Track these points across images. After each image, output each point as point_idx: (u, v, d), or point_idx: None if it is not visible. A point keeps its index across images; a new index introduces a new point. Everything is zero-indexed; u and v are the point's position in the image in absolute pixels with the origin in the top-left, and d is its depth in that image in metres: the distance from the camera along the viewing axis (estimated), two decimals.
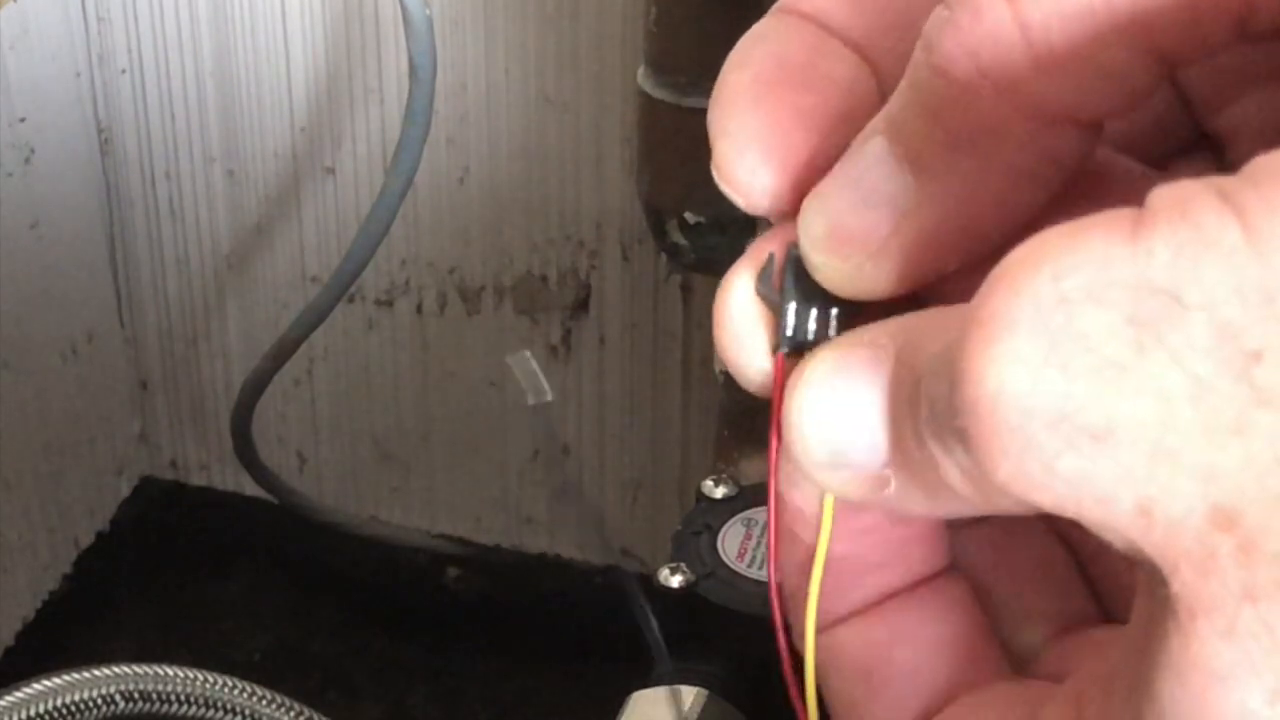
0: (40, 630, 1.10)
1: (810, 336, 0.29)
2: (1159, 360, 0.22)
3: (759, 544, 0.70)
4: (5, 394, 1.05)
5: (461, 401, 1.12)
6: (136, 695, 0.78)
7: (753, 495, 0.73)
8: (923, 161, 0.27)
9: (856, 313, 0.29)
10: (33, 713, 0.76)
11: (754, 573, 0.69)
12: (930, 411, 0.25)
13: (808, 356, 0.27)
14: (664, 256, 1.00)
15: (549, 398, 0.30)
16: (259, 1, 1.03)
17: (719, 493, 0.73)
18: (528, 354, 0.30)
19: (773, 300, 0.29)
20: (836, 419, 0.27)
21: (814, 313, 0.29)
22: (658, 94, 0.85)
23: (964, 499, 0.25)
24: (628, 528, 1.12)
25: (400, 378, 1.12)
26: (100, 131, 1.10)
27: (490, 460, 1.13)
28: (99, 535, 1.16)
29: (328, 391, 1.14)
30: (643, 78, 0.86)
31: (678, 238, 0.89)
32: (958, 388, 0.23)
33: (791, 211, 0.29)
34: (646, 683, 0.66)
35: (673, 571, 0.68)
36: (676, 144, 0.84)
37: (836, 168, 0.28)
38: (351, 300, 1.08)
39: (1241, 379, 0.22)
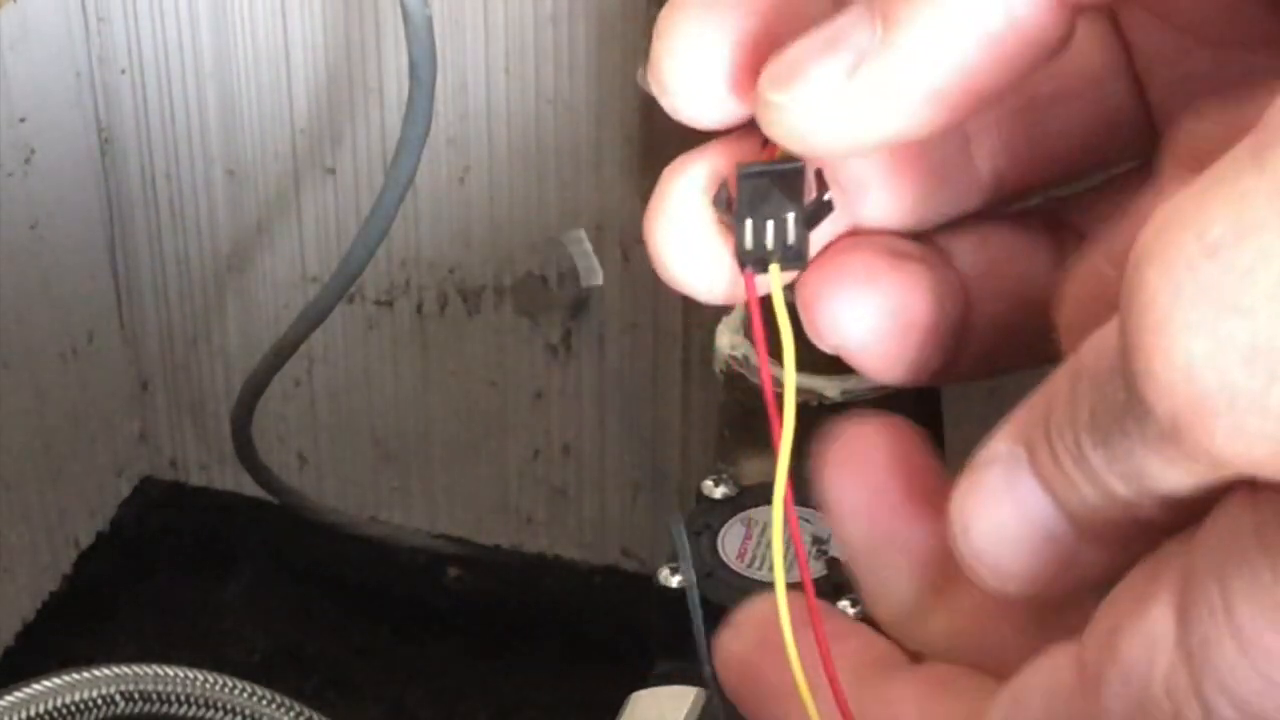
0: (40, 630, 1.10)
1: (770, 246, 0.29)
2: None
3: (759, 544, 0.70)
4: (5, 394, 1.04)
5: (461, 401, 1.12)
6: (136, 695, 0.78)
7: (752, 495, 0.73)
8: (892, 12, 0.27)
9: (815, 218, 0.29)
10: (33, 713, 0.76)
11: (754, 573, 0.69)
12: (1091, 443, 0.25)
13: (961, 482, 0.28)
14: None
15: (599, 280, 0.31)
16: (259, 2, 1.03)
17: (719, 493, 0.73)
18: (581, 233, 0.31)
19: (729, 220, 0.29)
20: (1012, 544, 0.27)
21: (770, 225, 0.29)
22: None
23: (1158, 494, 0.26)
24: (628, 528, 1.12)
25: (400, 378, 1.12)
26: (100, 132, 1.10)
27: (490, 460, 1.13)
28: (99, 535, 1.16)
29: (328, 391, 1.14)
30: (642, 78, 0.86)
31: None
32: (1140, 387, 0.23)
33: (726, 121, 0.30)
34: (646, 683, 0.67)
35: (673, 571, 0.68)
36: (676, 144, 0.84)
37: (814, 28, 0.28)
38: (351, 300, 1.08)
39: None
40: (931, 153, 0.31)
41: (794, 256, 0.30)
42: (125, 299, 1.15)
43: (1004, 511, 0.27)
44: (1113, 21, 0.32)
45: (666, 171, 0.30)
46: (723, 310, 0.76)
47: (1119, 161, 0.33)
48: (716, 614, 0.68)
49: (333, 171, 1.07)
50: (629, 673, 0.68)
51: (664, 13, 0.30)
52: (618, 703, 0.66)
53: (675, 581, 0.68)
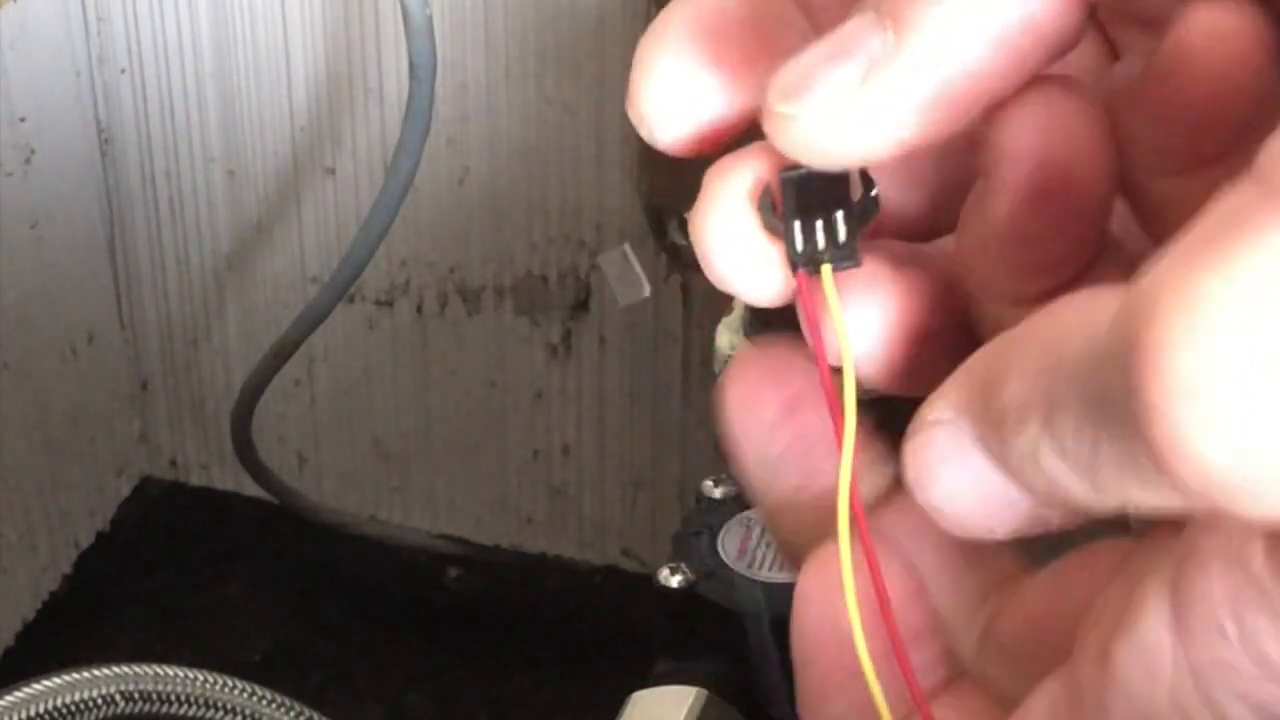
0: (40, 630, 1.10)
1: (821, 247, 0.29)
2: None
3: (759, 544, 0.70)
4: (5, 394, 1.04)
5: (461, 401, 1.12)
6: (136, 695, 0.78)
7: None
8: (902, 15, 0.27)
9: (864, 216, 0.29)
10: (33, 713, 0.76)
11: (754, 573, 0.69)
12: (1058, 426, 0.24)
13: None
14: (664, 256, 1.00)
15: (646, 293, 0.31)
16: (259, 1, 1.03)
17: (719, 493, 0.73)
18: (626, 248, 0.31)
19: (775, 225, 0.29)
20: (969, 503, 0.27)
21: (820, 225, 0.29)
22: None
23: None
24: (628, 528, 1.12)
25: (400, 378, 1.12)
26: (100, 131, 1.10)
27: (490, 460, 1.13)
28: (99, 535, 1.16)
29: (328, 391, 1.14)
30: None
31: (678, 238, 0.89)
32: (1164, 457, 0.22)
33: (693, 151, 0.30)
34: (646, 683, 0.67)
35: (673, 571, 0.68)
36: None
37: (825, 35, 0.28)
38: (351, 300, 1.08)
39: None
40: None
41: (846, 256, 0.30)
42: (125, 299, 1.15)
43: (957, 475, 0.26)
44: (1098, 23, 0.32)
45: (709, 174, 0.30)
46: (722, 310, 0.76)
47: None
48: (717, 614, 0.68)
49: (333, 171, 1.07)
50: (629, 673, 0.68)
51: (641, 43, 0.30)
52: (618, 703, 0.66)
53: (675, 581, 0.68)
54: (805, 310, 0.29)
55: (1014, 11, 0.27)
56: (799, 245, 0.29)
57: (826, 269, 0.29)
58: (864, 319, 0.30)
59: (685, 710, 0.64)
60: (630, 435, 1.10)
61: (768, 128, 0.28)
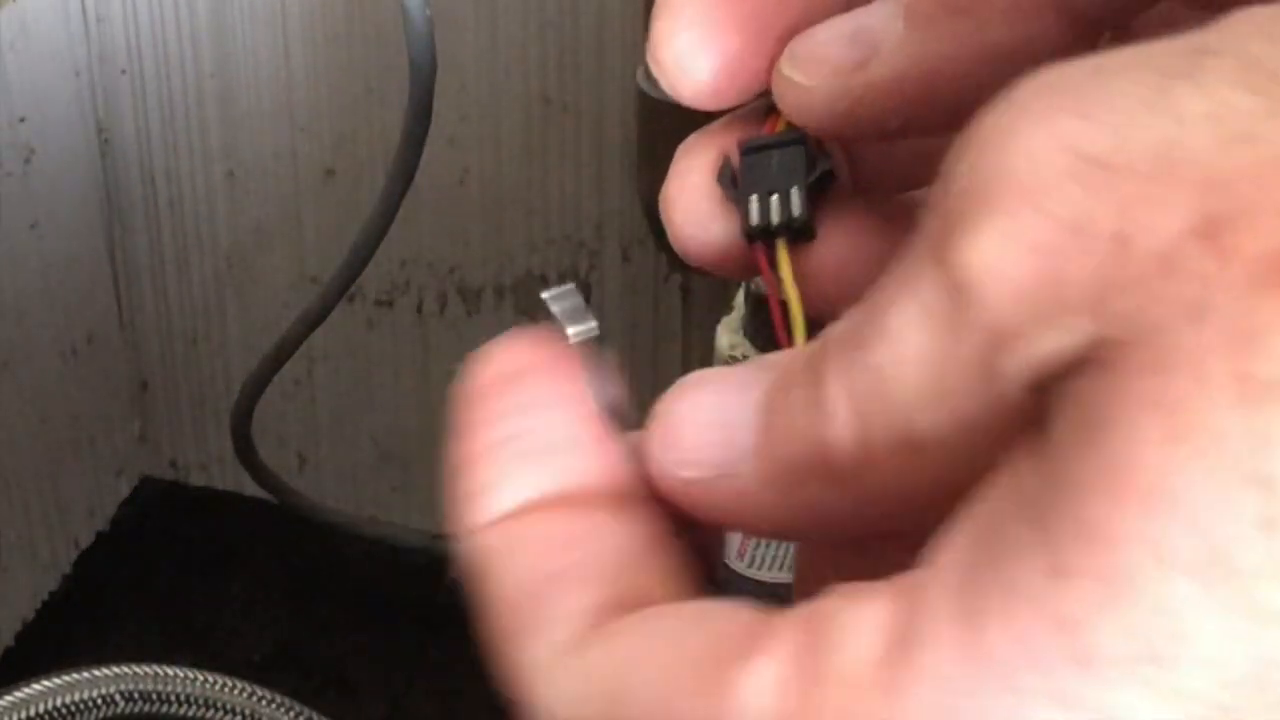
0: (40, 630, 1.10)
1: (775, 221, 0.30)
2: (1183, 92, 0.22)
3: (759, 544, 0.70)
4: (5, 394, 1.05)
5: None
6: (136, 695, 0.78)
7: None
8: (918, 13, 0.28)
9: (820, 188, 0.30)
10: (33, 713, 0.76)
11: (754, 572, 0.69)
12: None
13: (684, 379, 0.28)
14: (664, 256, 1.00)
15: (595, 329, 0.31)
16: (259, 2, 1.03)
17: None
18: (572, 286, 0.31)
19: (734, 197, 0.30)
20: (701, 419, 0.27)
21: (775, 199, 0.30)
22: (657, 94, 0.85)
23: (835, 479, 0.25)
24: None
25: (400, 378, 1.12)
26: (100, 131, 1.10)
27: None
28: (99, 535, 1.16)
29: (328, 391, 1.14)
30: (642, 78, 0.86)
31: None
32: (958, 164, 0.23)
33: (722, 102, 0.30)
34: None
35: None
36: (676, 144, 0.84)
37: (840, 15, 0.29)
38: (351, 300, 1.08)
39: (1260, 94, 0.22)
40: None
41: (800, 229, 0.30)
42: (125, 299, 1.15)
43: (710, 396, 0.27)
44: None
45: (679, 150, 0.31)
46: (722, 310, 0.76)
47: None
48: None
49: (333, 171, 1.07)
50: None
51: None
52: None
53: None
54: (766, 278, 0.30)
55: (1019, 32, 0.28)
56: (754, 218, 0.30)
57: (780, 243, 0.30)
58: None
59: None
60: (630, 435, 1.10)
61: (776, 87, 0.29)
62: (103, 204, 1.11)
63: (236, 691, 0.79)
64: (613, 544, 0.28)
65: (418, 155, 0.94)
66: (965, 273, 0.22)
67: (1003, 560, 0.22)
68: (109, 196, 1.12)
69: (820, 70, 0.29)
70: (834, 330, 0.25)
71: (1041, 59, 0.28)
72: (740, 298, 0.76)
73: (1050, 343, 0.22)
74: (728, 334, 0.76)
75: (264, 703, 0.79)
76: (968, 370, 0.23)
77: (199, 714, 0.78)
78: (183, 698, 0.78)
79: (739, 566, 0.69)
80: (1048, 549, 0.22)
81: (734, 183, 0.30)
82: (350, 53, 1.03)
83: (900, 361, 0.23)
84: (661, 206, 0.31)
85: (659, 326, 1.05)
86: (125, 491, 1.19)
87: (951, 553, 0.23)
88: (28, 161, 1.03)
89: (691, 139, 0.31)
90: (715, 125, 0.31)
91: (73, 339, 1.11)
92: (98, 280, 1.13)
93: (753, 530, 0.27)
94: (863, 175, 0.32)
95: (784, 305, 0.30)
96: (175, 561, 1.18)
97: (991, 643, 0.22)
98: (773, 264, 0.30)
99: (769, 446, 0.26)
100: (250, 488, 1.14)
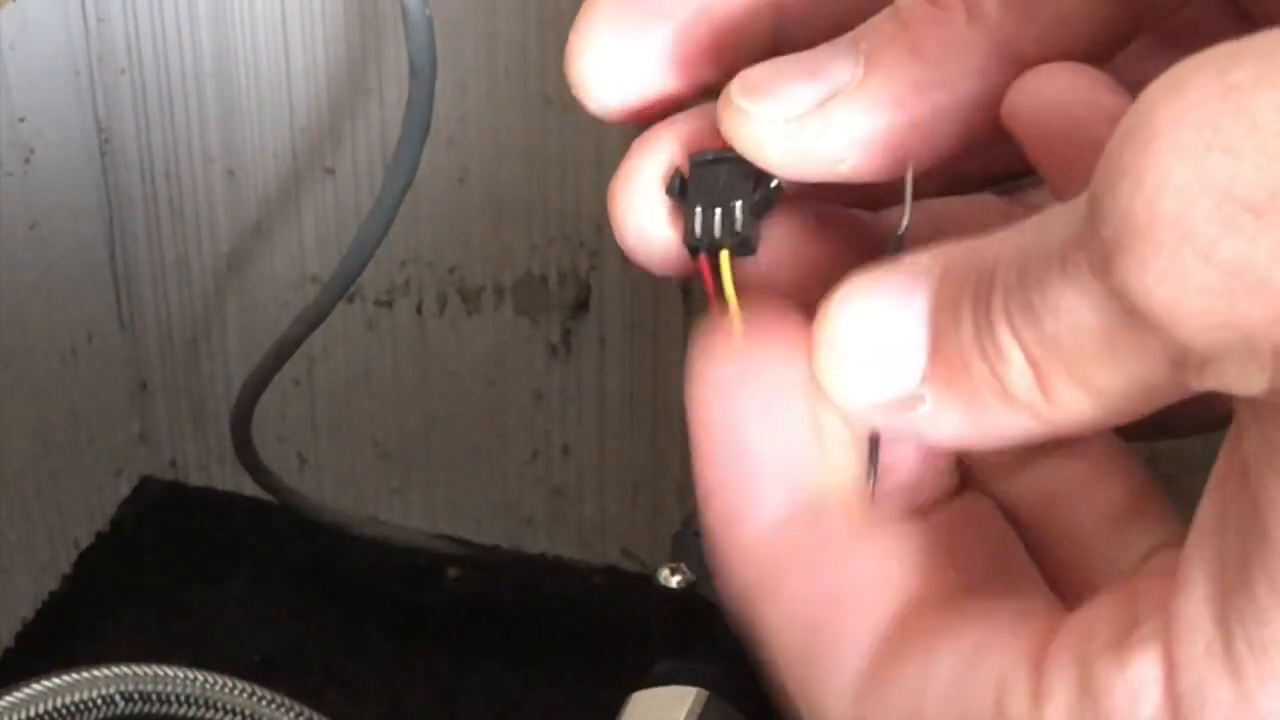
0: (40, 630, 1.10)
1: (717, 234, 0.30)
2: None
3: None
4: (5, 394, 1.04)
5: (461, 401, 1.12)
6: (136, 695, 0.78)
7: None
8: (877, 57, 0.28)
9: (764, 207, 0.30)
10: (33, 713, 0.76)
11: None
12: (1019, 283, 0.25)
13: (841, 285, 0.28)
14: None
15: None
16: (259, 1, 1.03)
17: None
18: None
19: (681, 205, 0.30)
20: (872, 339, 0.27)
21: (719, 213, 0.30)
22: None
23: (1018, 408, 0.25)
24: (628, 528, 1.12)
25: (400, 378, 1.12)
26: (100, 131, 1.10)
27: (490, 460, 1.13)
28: (99, 535, 1.16)
29: (328, 391, 1.14)
30: None
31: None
32: (1107, 196, 0.23)
33: (625, 121, 0.30)
34: (646, 683, 0.66)
35: (673, 571, 0.68)
36: None
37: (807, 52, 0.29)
38: (351, 300, 1.08)
39: None
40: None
41: (741, 244, 0.30)
42: (125, 299, 1.15)
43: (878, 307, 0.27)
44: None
45: (633, 146, 0.31)
46: None
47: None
48: (717, 614, 0.68)
49: (333, 171, 1.07)
50: (629, 673, 0.68)
51: (582, 10, 0.30)
52: (618, 703, 0.66)
53: (675, 581, 0.68)
54: (709, 288, 0.30)
55: (975, 85, 0.28)
56: (697, 230, 0.30)
57: (724, 255, 0.30)
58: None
59: (685, 710, 0.64)
60: (630, 435, 1.10)
61: (721, 113, 0.29)
62: (103, 204, 1.11)
63: (236, 691, 0.79)
64: (880, 563, 0.29)
65: (418, 155, 0.94)
66: (1142, 301, 0.23)
67: (1248, 619, 0.23)
68: (109, 196, 1.12)
69: (775, 106, 0.29)
70: (988, 257, 0.25)
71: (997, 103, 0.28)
72: None
73: (1233, 379, 0.23)
74: None
75: (264, 703, 0.79)
76: (1152, 365, 0.24)
77: (199, 714, 0.78)
78: (183, 698, 0.78)
79: None
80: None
81: (682, 193, 0.30)
82: (350, 53, 1.03)
83: (1078, 336, 0.24)
84: (609, 199, 0.32)
85: (659, 326, 1.05)
86: (125, 491, 1.19)
87: (1197, 606, 0.24)
88: (28, 161, 1.03)
89: (645, 135, 0.31)
90: (671, 121, 0.31)
91: (73, 339, 1.11)
92: (98, 280, 1.13)
93: (929, 441, 0.28)
94: (806, 188, 0.32)
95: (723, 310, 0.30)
96: (175, 561, 1.18)
97: (1257, 695, 0.23)
98: (715, 274, 0.30)
99: (945, 372, 0.26)
100: (250, 488, 1.14)
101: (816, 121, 0.28)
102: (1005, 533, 0.30)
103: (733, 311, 0.30)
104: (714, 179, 0.30)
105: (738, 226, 0.30)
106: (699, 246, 0.31)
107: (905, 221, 0.29)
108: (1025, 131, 0.28)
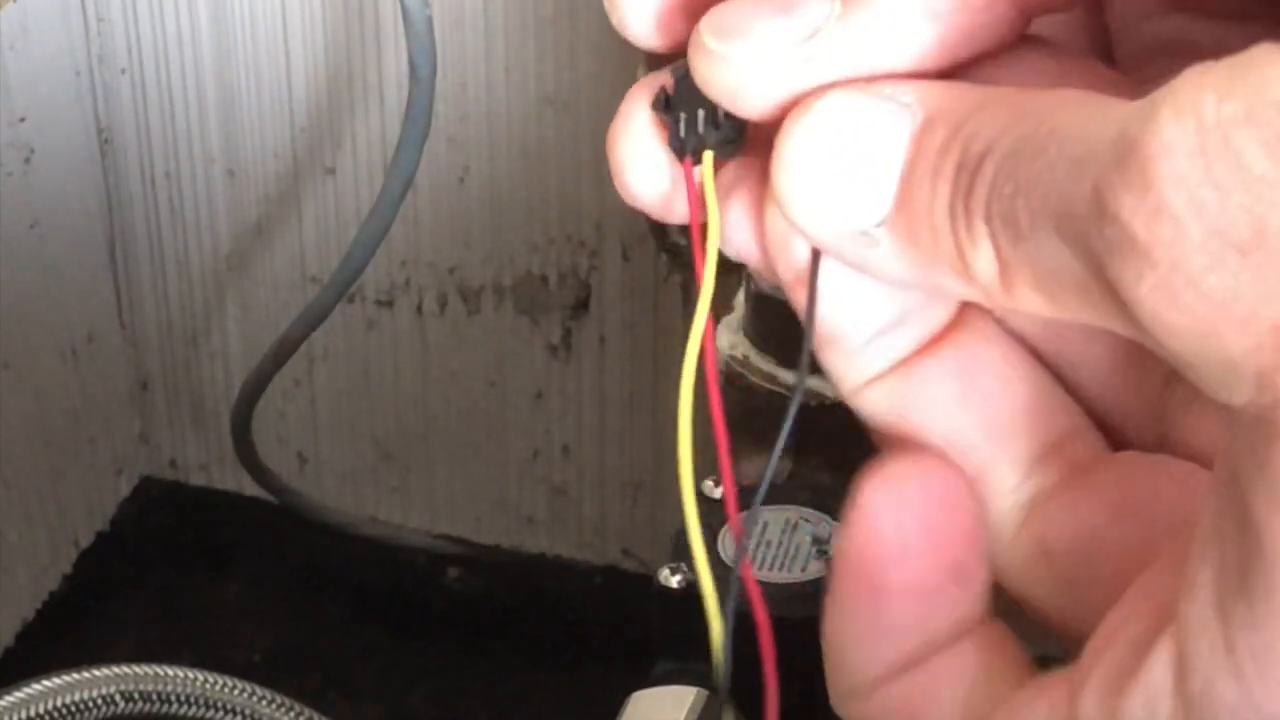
0: (40, 630, 1.10)
1: (701, 133, 0.31)
2: None
3: (759, 544, 0.70)
4: (5, 394, 1.04)
5: (461, 401, 1.12)
6: (136, 695, 0.78)
7: (753, 495, 0.72)
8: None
9: (742, 124, 0.30)
10: (33, 713, 0.76)
11: (756, 573, 0.69)
12: (1011, 198, 0.25)
13: (816, 93, 0.28)
14: (664, 256, 1.00)
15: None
16: (259, 1, 1.03)
17: (719, 493, 0.73)
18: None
19: (666, 118, 0.31)
20: (842, 159, 0.27)
21: (702, 114, 0.31)
22: None
23: (972, 285, 0.25)
24: (628, 528, 1.12)
25: (400, 378, 1.12)
26: (100, 131, 1.10)
27: (490, 460, 1.13)
28: (99, 535, 1.16)
29: (328, 391, 1.14)
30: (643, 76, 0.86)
31: (678, 238, 0.89)
32: (1112, 200, 0.23)
33: (670, 46, 0.30)
34: (646, 683, 0.66)
35: (673, 571, 0.68)
36: None
37: None
38: (351, 300, 1.08)
39: None
40: None
41: (727, 143, 0.31)
42: (125, 299, 1.15)
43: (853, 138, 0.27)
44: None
45: (627, 94, 0.31)
46: (723, 310, 0.76)
47: None
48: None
49: (333, 171, 1.07)
50: (629, 673, 0.68)
51: None
52: (618, 703, 0.66)
53: (675, 581, 0.68)
54: (689, 191, 0.31)
55: (959, 16, 0.27)
56: (681, 132, 0.30)
57: (708, 155, 0.30)
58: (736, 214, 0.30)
59: (685, 710, 0.64)
60: (630, 435, 1.10)
61: (693, 58, 0.29)
62: (103, 204, 1.11)
63: (236, 691, 0.79)
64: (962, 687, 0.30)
65: (418, 155, 0.94)
66: (1133, 304, 0.23)
67: (1247, 623, 0.24)
68: (109, 196, 1.12)
69: (741, 44, 0.28)
70: (981, 136, 0.26)
71: (978, 46, 0.27)
72: (740, 297, 0.76)
73: (1215, 387, 0.23)
74: (728, 334, 0.76)
75: (264, 703, 0.79)
76: (1125, 326, 0.24)
77: (199, 714, 0.78)
78: (183, 698, 0.78)
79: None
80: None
81: (666, 106, 0.31)
82: (350, 53, 1.03)
83: (1057, 274, 0.25)
84: (607, 147, 0.32)
85: (659, 326, 1.05)
86: (125, 491, 1.19)
87: (1204, 608, 0.25)
88: (28, 161, 1.03)
89: (638, 84, 0.31)
90: (662, 70, 0.31)
91: (73, 339, 1.11)
92: (98, 280, 1.13)
93: (872, 276, 0.28)
94: None
95: (703, 227, 0.31)
96: (175, 561, 1.18)
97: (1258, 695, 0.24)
98: (700, 179, 0.31)
99: (909, 224, 0.27)
100: (250, 488, 1.14)
101: (794, 62, 0.27)
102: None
103: (713, 212, 0.31)
104: (696, 87, 0.30)
105: (721, 127, 0.30)
106: (684, 150, 0.31)
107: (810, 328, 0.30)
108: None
